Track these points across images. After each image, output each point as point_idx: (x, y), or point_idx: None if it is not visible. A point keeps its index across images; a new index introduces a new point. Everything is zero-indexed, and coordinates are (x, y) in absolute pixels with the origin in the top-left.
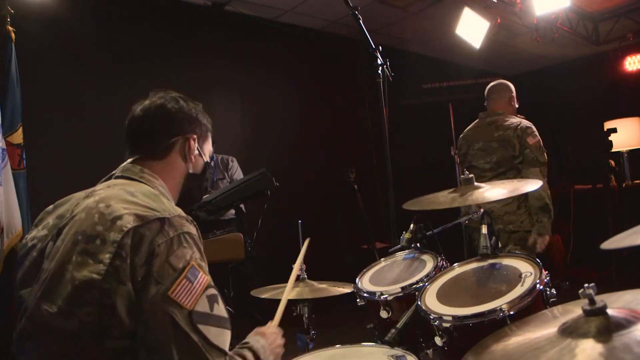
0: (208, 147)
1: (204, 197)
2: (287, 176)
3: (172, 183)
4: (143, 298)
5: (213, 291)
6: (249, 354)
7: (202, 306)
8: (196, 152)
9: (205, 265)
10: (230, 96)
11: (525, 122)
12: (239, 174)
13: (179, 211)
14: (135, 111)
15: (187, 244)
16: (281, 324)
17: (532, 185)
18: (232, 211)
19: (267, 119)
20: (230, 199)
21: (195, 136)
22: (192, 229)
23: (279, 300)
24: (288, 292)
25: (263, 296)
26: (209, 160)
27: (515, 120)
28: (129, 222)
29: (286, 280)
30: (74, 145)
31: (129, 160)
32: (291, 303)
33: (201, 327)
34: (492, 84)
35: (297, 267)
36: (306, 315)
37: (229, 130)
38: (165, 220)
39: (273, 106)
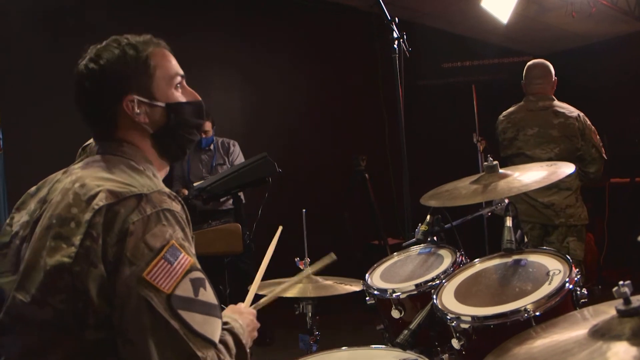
0: (164, 79)
1: (199, 183)
2: (290, 162)
3: (147, 151)
4: (116, 281)
5: (198, 274)
6: (229, 339)
7: (184, 290)
8: (142, 109)
9: (189, 246)
10: (229, 74)
11: (583, 115)
12: (240, 160)
13: (160, 186)
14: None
15: (166, 222)
16: (279, 323)
17: (567, 168)
18: (231, 201)
19: (269, 99)
20: (227, 185)
21: (130, 95)
22: (175, 206)
23: (279, 298)
24: (261, 274)
25: (261, 292)
26: (172, 100)
27: (570, 108)
28: (101, 200)
29: (289, 276)
30: (56, 124)
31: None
32: (293, 301)
33: (183, 313)
34: (533, 64)
35: (268, 255)
36: (310, 315)
37: (228, 112)
38: (142, 197)
39: (276, 85)
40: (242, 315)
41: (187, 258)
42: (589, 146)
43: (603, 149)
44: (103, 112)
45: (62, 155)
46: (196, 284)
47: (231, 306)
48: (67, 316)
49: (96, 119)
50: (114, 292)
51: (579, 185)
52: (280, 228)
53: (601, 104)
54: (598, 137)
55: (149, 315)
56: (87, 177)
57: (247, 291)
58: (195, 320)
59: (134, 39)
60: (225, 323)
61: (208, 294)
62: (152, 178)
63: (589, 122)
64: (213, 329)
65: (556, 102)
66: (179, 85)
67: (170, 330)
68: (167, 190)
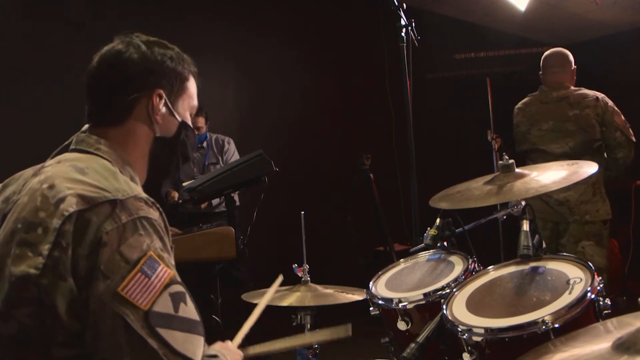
0: (188, 103)
1: (189, 182)
2: (288, 160)
3: (137, 152)
4: (90, 296)
5: (179, 288)
6: None
7: (163, 306)
8: (163, 110)
9: (169, 257)
10: (223, 64)
11: (602, 97)
12: (235, 159)
13: (137, 191)
14: (92, 63)
15: (144, 231)
16: (275, 335)
17: (589, 167)
18: (223, 203)
19: (266, 92)
20: (220, 185)
21: (161, 91)
22: (153, 213)
23: (275, 308)
24: (252, 320)
25: (255, 301)
26: (186, 121)
27: (589, 93)
28: (71, 205)
29: (285, 285)
30: (32, 109)
31: (86, 127)
32: (291, 311)
33: (162, 331)
34: (550, 53)
35: (263, 303)
36: (308, 326)
37: (220, 106)
38: (116, 203)
39: (274, 76)
40: (230, 354)
41: (166, 270)
42: (611, 130)
43: (631, 130)
44: (128, 93)
45: (42, 146)
46: (176, 299)
47: (219, 343)
48: (33, 332)
49: (113, 96)
50: (87, 308)
51: (598, 177)
52: (280, 277)
53: (625, 99)
54: (623, 118)
55: (124, 334)
56: (57, 178)
57: (241, 299)
58: (176, 338)
59: (182, 53)
60: (214, 356)
61: (189, 310)
62: (129, 182)
63: (610, 104)
64: (195, 347)
65: (573, 91)
66: (191, 115)
67: (148, 350)
68: (144, 195)
